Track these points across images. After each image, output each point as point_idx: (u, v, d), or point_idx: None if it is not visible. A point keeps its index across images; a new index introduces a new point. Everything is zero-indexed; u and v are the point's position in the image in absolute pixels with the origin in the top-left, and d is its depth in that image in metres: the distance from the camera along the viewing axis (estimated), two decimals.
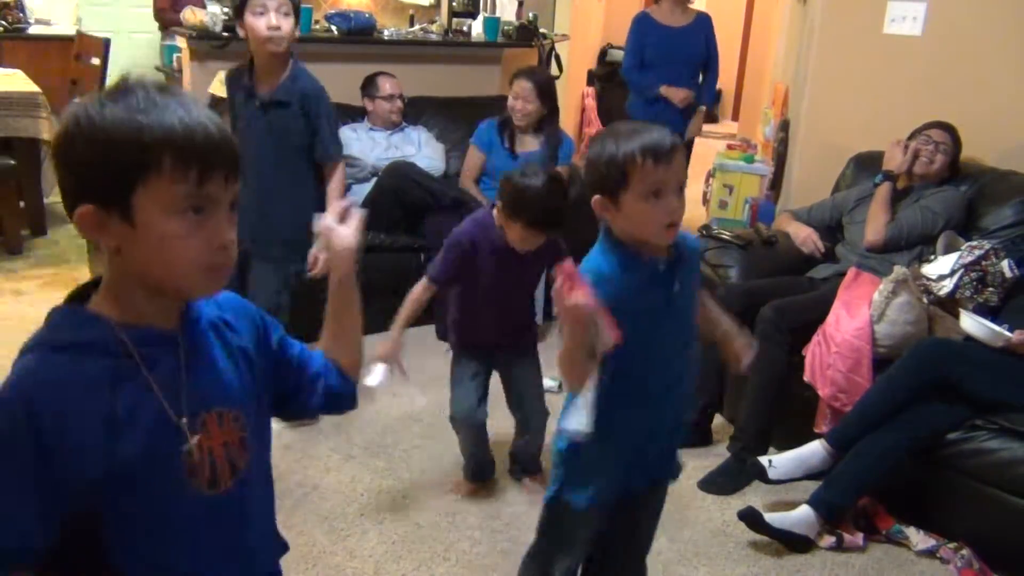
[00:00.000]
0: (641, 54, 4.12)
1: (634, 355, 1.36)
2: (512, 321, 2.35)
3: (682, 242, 1.45)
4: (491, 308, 2.29)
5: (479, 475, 2.46)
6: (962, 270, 2.58)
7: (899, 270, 2.52)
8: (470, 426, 2.37)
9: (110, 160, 0.84)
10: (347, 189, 3.65)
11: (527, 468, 2.51)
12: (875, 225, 2.83)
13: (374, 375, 2.10)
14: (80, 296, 0.93)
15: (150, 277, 0.89)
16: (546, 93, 3.53)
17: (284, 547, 1.14)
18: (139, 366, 0.89)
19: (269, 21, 2.37)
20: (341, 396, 1.16)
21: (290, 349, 1.12)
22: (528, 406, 2.42)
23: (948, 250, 2.70)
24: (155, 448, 0.90)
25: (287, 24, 2.41)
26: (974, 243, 2.66)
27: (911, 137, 2.94)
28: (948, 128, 2.91)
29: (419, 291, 2.22)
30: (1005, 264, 2.59)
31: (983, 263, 2.58)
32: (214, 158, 0.87)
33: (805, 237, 3.04)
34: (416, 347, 3.39)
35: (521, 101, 3.50)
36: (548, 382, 3.09)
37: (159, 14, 5.36)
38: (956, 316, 2.51)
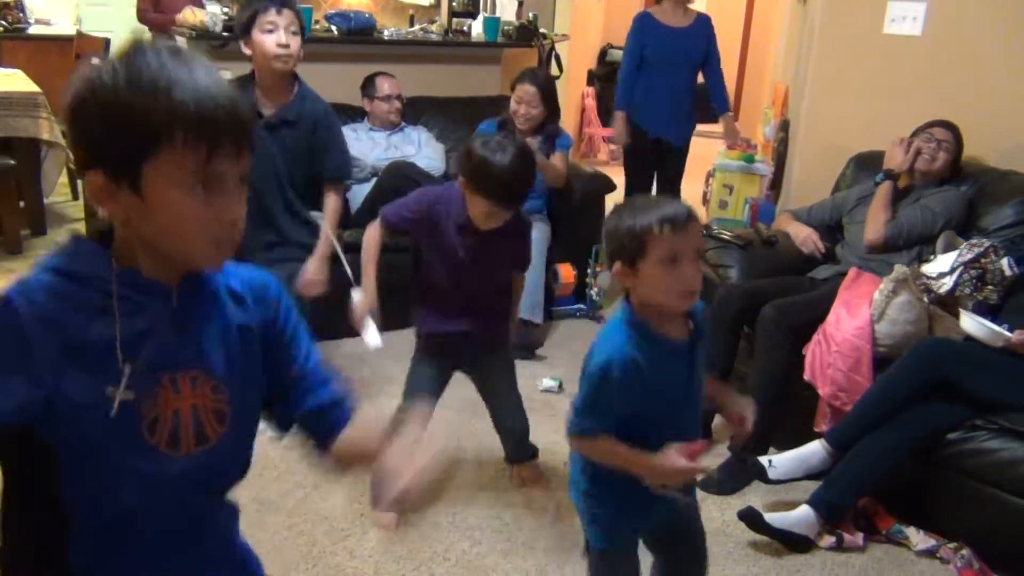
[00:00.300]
0: (640, 56, 4.12)
1: (652, 424, 1.43)
2: (480, 313, 2.23)
3: (698, 311, 1.49)
4: (456, 295, 2.19)
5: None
6: (961, 268, 2.59)
7: (899, 269, 2.53)
8: None
9: (121, 132, 0.84)
10: (347, 189, 3.66)
11: (520, 456, 2.49)
12: (875, 224, 2.83)
13: (371, 334, 2.11)
14: (102, 232, 0.93)
15: (158, 247, 0.90)
16: (549, 96, 3.53)
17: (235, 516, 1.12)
18: (116, 305, 0.89)
19: (279, 39, 2.36)
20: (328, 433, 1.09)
21: (298, 353, 1.06)
22: (502, 413, 2.41)
23: (947, 249, 2.70)
24: (99, 390, 0.89)
25: (296, 43, 2.40)
26: (973, 241, 2.66)
27: (914, 135, 2.94)
28: (951, 127, 2.91)
29: (372, 234, 2.18)
30: (1004, 262, 2.60)
31: (982, 260, 2.59)
32: (224, 133, 0.86)
33: (805, 237, 3.04)
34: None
35: (525, 106, 3.47)
36: (548, 382, 3.10)
37: (140, 14, 5.37)
38: (956, 315, 2.52)
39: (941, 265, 2.64)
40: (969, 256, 2.60)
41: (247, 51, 2.43)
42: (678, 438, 1.45)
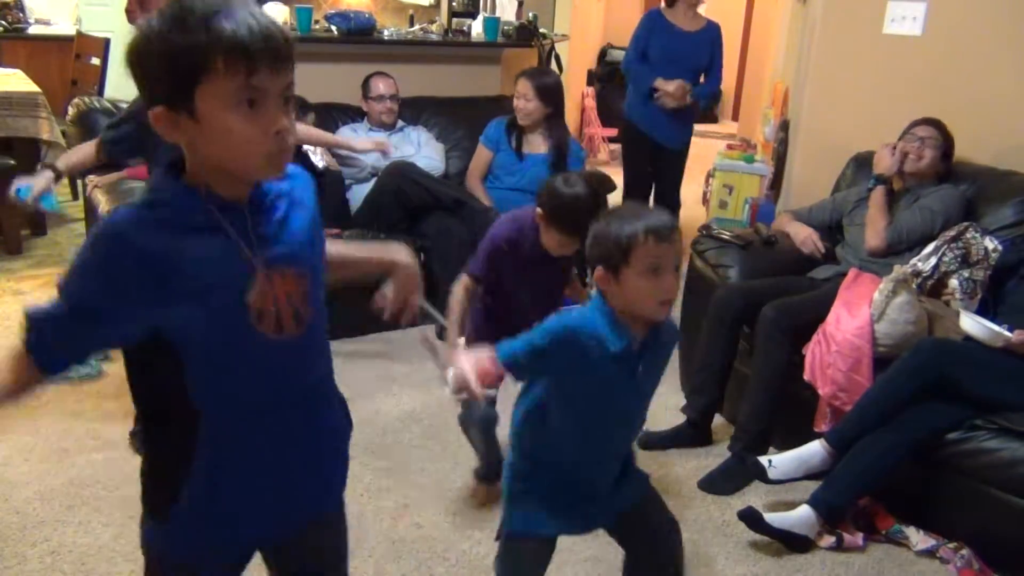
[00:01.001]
0: (644, 48, 4.12)
1: (577, 416, 1.48)
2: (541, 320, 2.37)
3: (664, 328, 1.52)
4: (521, 311, 2.26)
5: (491, 476, 2.42)
6: (944, 245, 2.63)
7: (899, 269, 2.53)
8: (481, 426, 2.36)
9: (169, 67, 0.97)
10: (347, 189, 3.67)
11: None
12: (874, 230, 2.83)
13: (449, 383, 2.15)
14: (174, 164, 1.07)
15: (220, 163, 1.03)
16: (547, 94, 3.53)
17: (342, 402, 1.29)
18: (219, 222, 1.04)
19: None
20: None
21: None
22: None
23: None
24: (226, 287, 1.05)
25: None
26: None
27: (900, 139, 2.94)
28: (934, 123, 2.91)
29: (462, 291, 2.26)
30: (987, 239, 2.63)
31: (965, 236, 2.63)
32: (259, 53, 0.98)
33: (805, 237, 3.04)
34: (416, 347, 3.40)
35: (522, 100, 3.53)
36: None
37: (128, 15, 5.38)
38: (948, 302, 2.54)
39: (928, 250, 2.68)
40: (951, 233, 2.65)
41: None
42: (606, 438, 1.50)
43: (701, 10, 4.33)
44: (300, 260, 1.12)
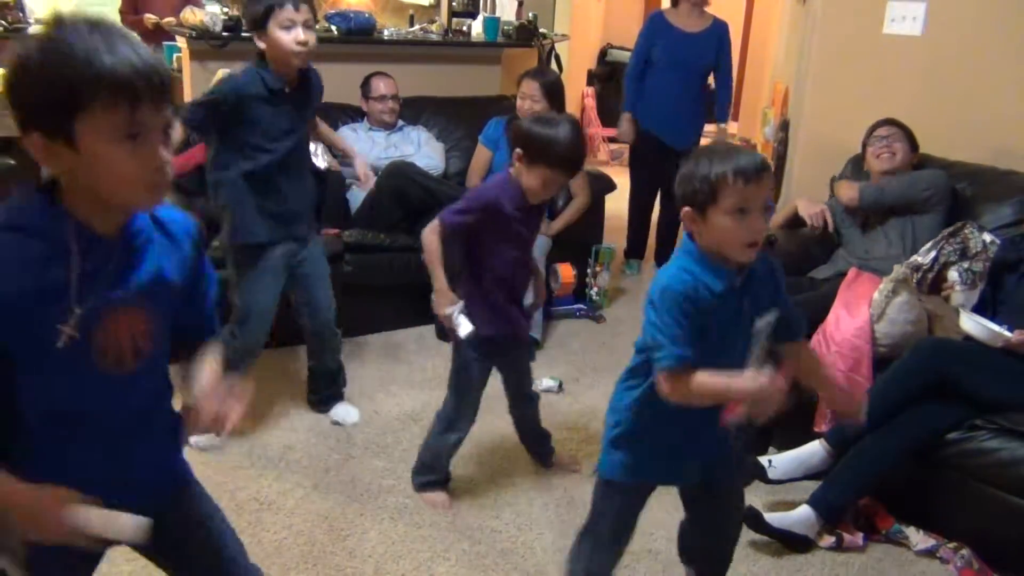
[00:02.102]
0: (646, 58, 4.09)
1: (702, 360, 1.46)
2: (519, 304, 2.32)
3: (759, 265, 1.52)
4: (513, 281, 2.27)
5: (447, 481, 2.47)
6: (943, 240, 2.65)
7: (899, 269, 2.53)
8: (467, 431, 2.39)
9: (49, 97, 0.98)
10: (347, 189, 3.67)
11: (547, 449, 2.60)
12: (847, 185, 2.93)
13: (463, 325, 2.15)
14: (49, 184, 1.07)
15: (99, 194, 1.04)
16: (552, 94, 3.54)
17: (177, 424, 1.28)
18: (72, 255, 1.04)
19: (298, 36, 2.34)
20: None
21: (199, 291, 1.25)
22: (527, 387, 2.48)
23: None
24: (52, 327, 1.05)
25: (312, 38, 2.39)
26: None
27: (864, 147, 2.99)
28: (889, 121, 2.99)
29: (435, 237, 2.17)
30: (985, 234, 2.66)
31: (963, 232, 2.65)
32: (141, 90, 0.99)
33: (818, 212, 3.06)
34: (416, 347, 3.40)
35: (529, 101, 3.51)
36: (548, 382, 3.11)
37: (122, 16, 5.38)
38: (949, 295, 2.56)
39: (926, 246, 2.71)
40: (949, 230, 2.68)
41: (261, 44, 2.37)
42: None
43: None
44: (156, 300, 1.15)
